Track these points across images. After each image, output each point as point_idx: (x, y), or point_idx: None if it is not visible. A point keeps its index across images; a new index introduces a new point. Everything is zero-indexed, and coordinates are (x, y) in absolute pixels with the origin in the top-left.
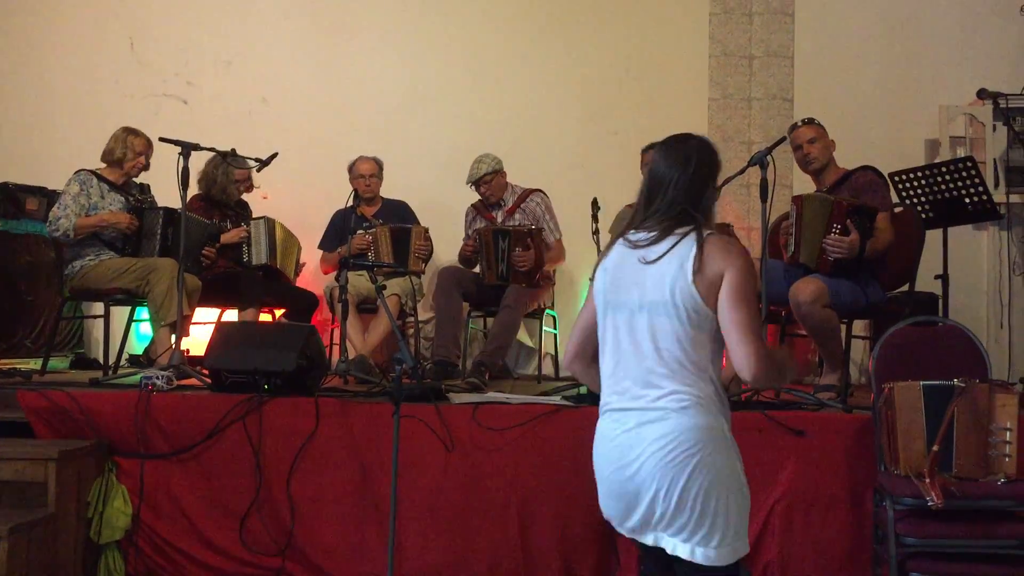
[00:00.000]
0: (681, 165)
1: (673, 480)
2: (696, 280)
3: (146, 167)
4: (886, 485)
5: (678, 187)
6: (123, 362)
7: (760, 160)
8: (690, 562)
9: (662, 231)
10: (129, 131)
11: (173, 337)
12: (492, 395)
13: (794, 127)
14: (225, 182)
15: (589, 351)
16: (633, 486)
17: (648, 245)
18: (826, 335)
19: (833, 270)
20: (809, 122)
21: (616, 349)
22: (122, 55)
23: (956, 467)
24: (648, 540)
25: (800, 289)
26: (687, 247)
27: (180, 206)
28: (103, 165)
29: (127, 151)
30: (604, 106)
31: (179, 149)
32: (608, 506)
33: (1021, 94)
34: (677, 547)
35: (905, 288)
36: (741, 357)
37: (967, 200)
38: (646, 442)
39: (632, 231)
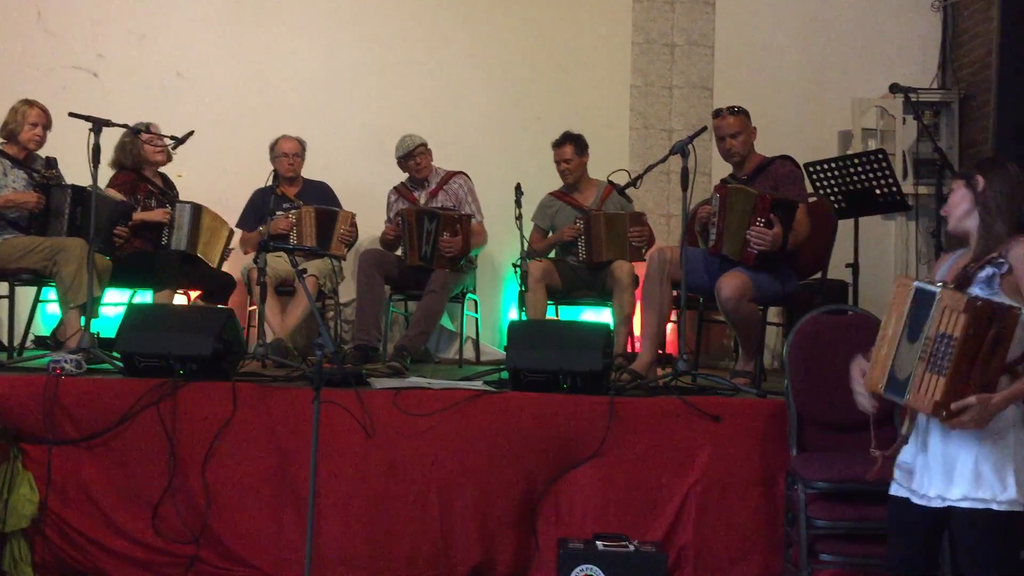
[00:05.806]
0: None
1: None
2: None
3: (43, 140)
4: (798, 468)
5: None
6: (29, 343)
7: (681, 149)
8: None
9: None
10: (25, 102)
11: (82, 319)
12: (413, 380)
13: (719, 113)
14: (135, 149)
15: None
16: None
17: None
18: (748, 328)
19: (757, 263)
20: (735, 112)
21: None
22: (28, 26)
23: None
24: None
25: (726, 284)
26: None
27: (91, 183)
28: (3, 140)
29: (21, 123)
30: (527, 91)
31: (90, 125)
32: None
33: (931, 88)
34: None
35: (818, 276)
36: None
37: (878, 191)
38: None
39: None
